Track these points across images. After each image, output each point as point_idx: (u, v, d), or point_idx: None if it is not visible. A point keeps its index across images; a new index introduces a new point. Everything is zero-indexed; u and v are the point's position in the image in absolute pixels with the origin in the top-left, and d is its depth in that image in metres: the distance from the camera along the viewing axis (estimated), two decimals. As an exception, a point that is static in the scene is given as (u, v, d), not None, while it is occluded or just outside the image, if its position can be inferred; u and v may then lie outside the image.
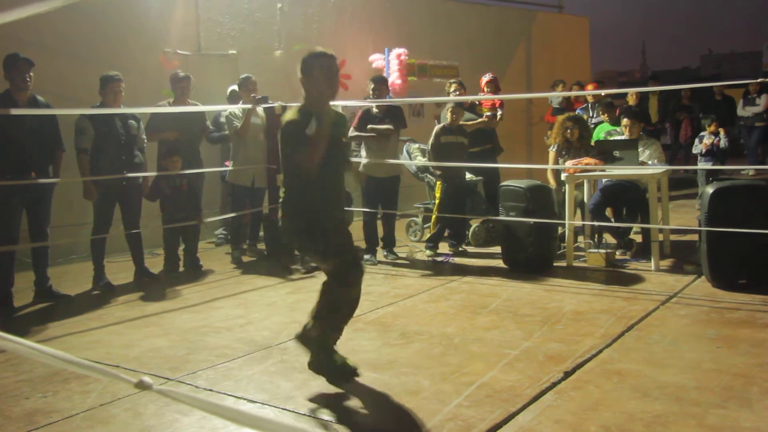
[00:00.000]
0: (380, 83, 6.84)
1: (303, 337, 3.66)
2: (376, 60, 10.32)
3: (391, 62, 10.13)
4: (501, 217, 6.30)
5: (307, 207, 3.61)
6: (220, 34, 8.91)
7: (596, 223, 6.52)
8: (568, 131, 6.80)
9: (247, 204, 7.15)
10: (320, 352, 3.62)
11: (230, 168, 7.12)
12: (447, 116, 6.96)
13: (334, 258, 3.60)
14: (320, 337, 3.62)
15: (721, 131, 9.14)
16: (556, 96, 11.36)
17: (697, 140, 9.39)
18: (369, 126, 6.70)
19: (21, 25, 2.67)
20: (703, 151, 9.18)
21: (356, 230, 6.94)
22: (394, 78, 9.93)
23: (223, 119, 7.18)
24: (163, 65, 8.17)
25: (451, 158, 6.71)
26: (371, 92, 6.81)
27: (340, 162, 3.77)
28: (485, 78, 8.02)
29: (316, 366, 3.63)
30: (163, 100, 7.11)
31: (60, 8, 2.33)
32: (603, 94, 9.45)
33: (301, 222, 3.62)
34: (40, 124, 5.47)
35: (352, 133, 6.87)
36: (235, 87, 7.58)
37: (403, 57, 10.16)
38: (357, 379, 3.65)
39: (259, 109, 6.93)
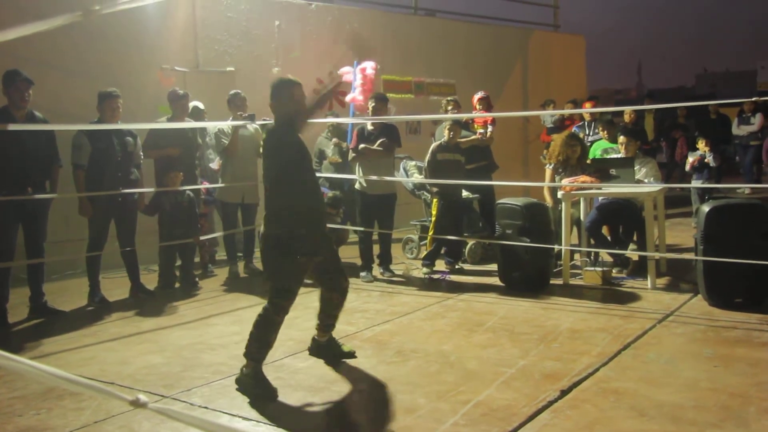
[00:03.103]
0: (380, 102, 6.85)
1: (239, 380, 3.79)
2: (346, 74, 8.53)
3: (356, 76, 8.43)
4: (498, 239, 6.29)
5: (288, 212, 3.81)
6: (218, 51, 8.96)
7: (592, 250, 6.53)
8: (571, 149, 6.78)
9: (238, 221, 7.14)
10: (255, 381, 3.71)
11: (207, 185, 7.21)
12: (444, 134, 6.98)
13: (272, 279, 3.84)
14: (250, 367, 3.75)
15: (707, 149, 9.12)
16: (549, 115, 11.40)
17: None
18: (361, 146, 6.70)
19: (19, 42, 2.68)
20: (688, 168, 9.26)
21: (352, 248, 6.96)
22: (356, 94, 8.25)
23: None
24: (161, 82, 8.19)
25: (448, 176, 6.71)
26: (370, 110, 6.80)
27: (310, 172, 4.11)
28: (477, 95, 8.07)
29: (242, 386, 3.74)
30: (161, 118, 7.12)
31: (59, 26, 2.34)
32: (598, 112, 9.50)
33: (278, 230, 3.80)
34: (37, 139, 5.47)
35: (351, 154, 6.89)
36: (198, 103, 7.49)
37: (369, 71, 8.41)
38: (353, 396, 3.63)
39: (251, 125, 6.92)
